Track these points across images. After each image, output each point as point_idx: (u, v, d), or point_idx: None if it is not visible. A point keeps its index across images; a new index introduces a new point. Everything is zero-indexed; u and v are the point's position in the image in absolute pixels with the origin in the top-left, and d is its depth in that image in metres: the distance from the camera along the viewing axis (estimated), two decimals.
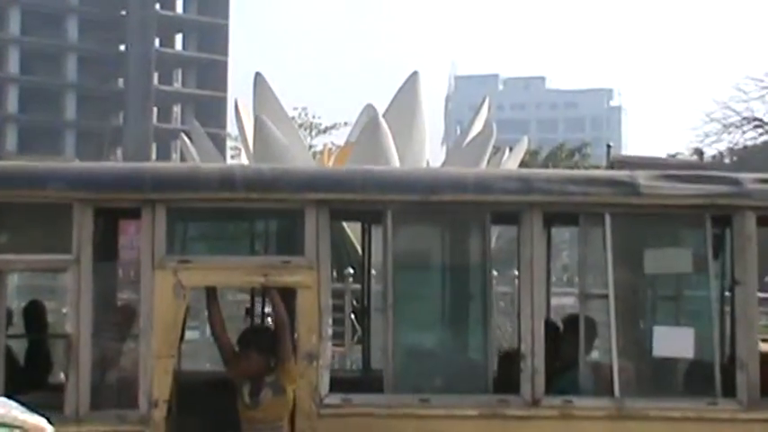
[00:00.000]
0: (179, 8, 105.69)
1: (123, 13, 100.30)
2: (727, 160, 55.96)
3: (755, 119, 54.71)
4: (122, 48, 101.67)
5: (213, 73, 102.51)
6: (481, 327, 8.50)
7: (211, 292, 8.50)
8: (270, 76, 41.20)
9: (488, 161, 39.33)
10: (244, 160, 44.25)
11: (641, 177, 8.56)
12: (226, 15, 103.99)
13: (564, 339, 8.91)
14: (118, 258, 10.06)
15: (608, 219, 8.43)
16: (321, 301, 8.26)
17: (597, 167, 62.02)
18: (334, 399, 8.23)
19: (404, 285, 8.48)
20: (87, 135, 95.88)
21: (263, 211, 8.63)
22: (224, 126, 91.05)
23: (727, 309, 8.95)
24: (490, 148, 39.31)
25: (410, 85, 40.37)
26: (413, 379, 8.42)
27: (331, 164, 39.49)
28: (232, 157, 73.04)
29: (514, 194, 8.45)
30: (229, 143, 78.01)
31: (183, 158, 56.08)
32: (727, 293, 8.93)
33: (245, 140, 42.00)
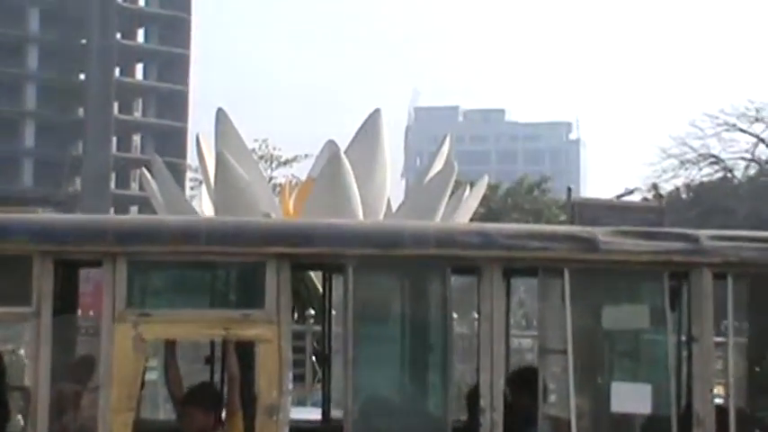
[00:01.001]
0: (140, 37, 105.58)
1: (83, 41, 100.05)
2: (684, 196, 56.50)
3: (711, 155, 55.30)
4: (82, 76, 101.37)
5: (173, 102, 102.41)
6: (441, 378, 8.54)
7: (170, 346, 8.50)
8: (229, 105, 41.13)
9: (449, 198, 39.44)
10: (204, 193, 44.17)
11: (600, 233, 8.65)
12: (187, 45, 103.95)
13: (522, 393, 8.94)
14: (78, 308, 10.03)
15: (567, 274, 8.50)
16: (282, 355, 8.26)
17: (557, 202, 62.42)
18: None
19: (364, 338, 8.50)
20: (46, 164, 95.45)
21: (225, 264, 8.62)
22: (184, 156, 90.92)
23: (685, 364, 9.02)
24: (451, 186, 39.40)
25: (372, 122, 40.35)
26: (373, 430, 8.45)
27: (293, 198, 39.49)
28: (191, 188, 72.94)
29: (475, 249, 8.51)
30: (189, 174, 77.91)
31: (142, 189, 56.01)
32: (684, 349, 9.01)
33: (206, 174, 41.90)
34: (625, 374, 9.01)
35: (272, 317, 8.27)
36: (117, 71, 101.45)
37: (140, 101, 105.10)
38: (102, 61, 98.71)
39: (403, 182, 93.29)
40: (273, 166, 70.98)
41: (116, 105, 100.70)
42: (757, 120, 54.74)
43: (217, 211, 36.33)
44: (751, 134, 55.26)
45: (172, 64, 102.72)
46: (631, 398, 8.51)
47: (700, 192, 55.41)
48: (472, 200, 40.38)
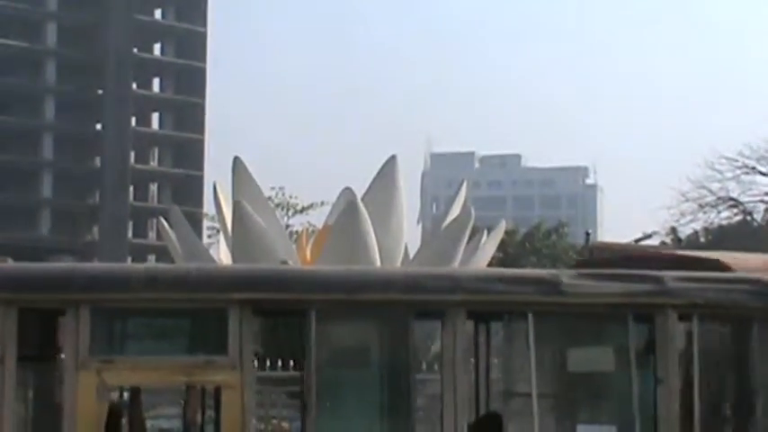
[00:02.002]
0: (155, 87, 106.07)
1: (100, 92, 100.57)
2: (702, 239, 56.31)
3: (730, 198, 55.11)
4: (99, 126, 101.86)
5: (190, 151, 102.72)
6: (405, 422, 8.56)
7: (134, 393, 8.49)
8: (246, 153, 41.32)
9: (467, 244, 39.44)
10: (221, 241, 44.33)
11: (564, 276, 8.69)
12: (203, 95, 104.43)
13: None
14: (58, 355, 9.92)
15: (531, 317, 8.52)
16: (244, 401, 8.28)
17: (574, 247, 62.34)
18: None
19: (327, 384, 8.55)
20: (63, 213, 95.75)
21: (188, 310, 8.65)
22: (200, 204, 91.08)
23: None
24: (468, 232, 39.42)
25: (388, 169, 40.53)
26: None
27: (309, 245, 39.59)
28: (209, 236, 73.02)
29: (440, 294, 8.53)
30: (206, 223, 78.01)
31: (160, 238, 56.02)
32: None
33: (223, 223, 42.14)
34: (590, 416, 9.06)
35: (236, 363, 8.30)
36: (133, 120, 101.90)
37: (156, 150, 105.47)
38: (118, 111, 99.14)
39: (419, 227, 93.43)
40: (290, 213, 71.00)
41: (132, 155, 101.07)
42: None
43: (234, 260, 36.45)
44: None
45: (187, 112, 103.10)
46: None
47: (718, 235, 55.14)
48: (489, 245, 40.38)
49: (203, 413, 10.19)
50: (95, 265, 10.46)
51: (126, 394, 9.46)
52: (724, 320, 9.33)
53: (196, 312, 8.67)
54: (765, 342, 8.85)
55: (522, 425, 8.65)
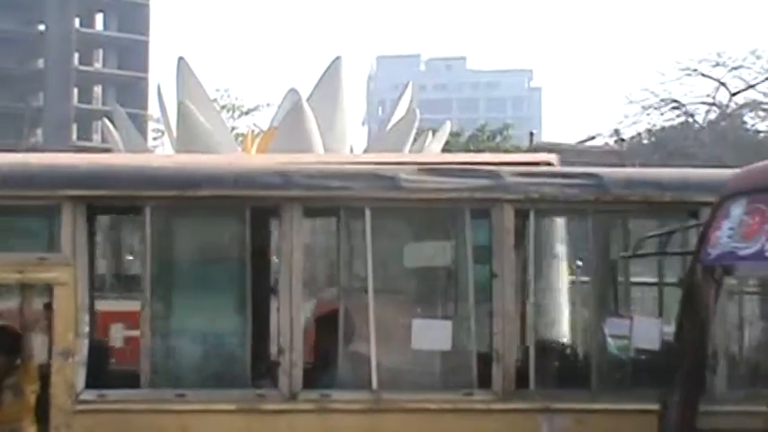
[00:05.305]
0: None
1: None
2: (645, 141, 56.79)
3: (673, 100, 55.56)
4: (41, 28, 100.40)
5: (135, 53, 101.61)
6: (240, 321, 8.49)
7: None
8: (191, 56, 41.22)
9: (412, 145, 39.63)
10: (167, 143, 44.19)
11: (402, 172, 8.61)
12: None
13: (325, 332, 8.95)
14: None
15: (368, 213, 8.46)
16: (78, 299, 8.27)
17: (518, 149, 62.65)
18: (90, 395, 8.23)
19: (162, 281, 8.51)
20: (6, 116, 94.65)
21: (20, 208, 8.53)
22: (145, 107, 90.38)
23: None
24: (413, 133, 39.62)
25: (333, 70, 40.58)
26: (171, 374, 8.42)
27: (255, 147, 39.60)
28: (154, 138, 72.66)
29: (274, 189, 8.45)
30: (151, 125, 77.56)
31: (104, 140, 55.69)
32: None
33: (168, 125, 41.98)
34: (427, 312, 8.99)
35: (69, 260, 8.25)
36: (77, 22, 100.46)
37: (101, 51, 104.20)
38: (61, 11, 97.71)
39: (365, 129, 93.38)
40: (236, 115, 70.65)
41: (76, 56, 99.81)
42: (718, 64, 55.02)
43: None
44: (712, 78, 55.57)
45: (132, 14, 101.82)
46: (432, 335, 8.50)
47: (661, 136, 55.60)
48: (434, 146, 40.58)
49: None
50: None
51: None
52: (560, 214, 9.42)
53: (28, 210, 8.55)
54: (598, 233, 8.88)
55: (359, 320, 8.59)
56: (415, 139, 40.29)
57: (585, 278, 9.10)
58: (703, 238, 6.75)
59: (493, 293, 8.53)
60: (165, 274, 8.63)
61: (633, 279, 10.00)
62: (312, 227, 9.43)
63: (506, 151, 69.46)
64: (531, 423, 8.36)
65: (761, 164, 6.89)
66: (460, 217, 8.57)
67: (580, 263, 9.56)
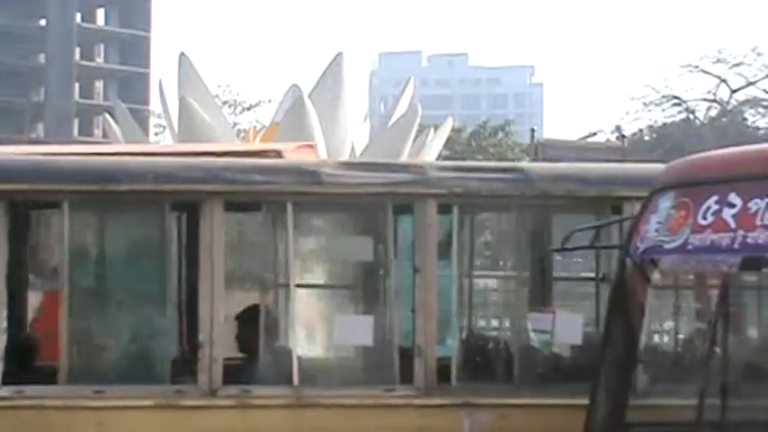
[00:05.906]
0: None
1: None
2: (646, 137, 56.91)
3: (674, 97, 55.75)
4: (43, 22, 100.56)
5: (136, 48, 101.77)
6: (161, 317, 8.47)
7: None
8: (193, 52, 41.44)
9: (413, 141, 39.80)
10: (168, 138, 44.37)
11: (325, 166, 8.61)
12: None
13: (246, 327, 8.95)
14: None
15: (290, 207, 8.40)
16: None
17: (520, 146, 62.61)
18: (6, 391, 8.16)
19: (80, 276, 8.46)
20: (7, 111, 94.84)
21: None
22: (147, 102, 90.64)
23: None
24: (415, 129, 39.82)
25: (335, 66, 40.87)
26: (90, 370, 8.37)
27: (257, 143, 39.78)
28: (156, 134, 72.82)
29: (195, 184, 8.39)
30: (153, 120, 77.69)
31: (106, 136, 55.98)
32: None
33: (169, 120, 42.22)
34: (349, 306, 9.14)
35: None
36: (78, 16, 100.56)
37: (102, 47, 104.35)
38: (62, 6, 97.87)
39: (367, 125, 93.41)
40: (237, 111, 70.84)
41: (78, 51, 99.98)
42: (719, 61, 55.18)
43: None
44: (713, 75, 55.71)
45: (134, 9, 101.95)
46: (353, 330, 8.52)
47: (662, 133, 55.78)
48: (436, 142, 40.84)
49: None
50: None
51: None
52: (485, 209, 9.44)
53: None
54: (523, 228, 8.83)
55: (282, 315, 8.67)
56: (416, 136, 40.49)
57: (510, 273, 9.08)
58: (632, 232, 6.77)
59: (415, 289, 8.50)
60: (84, 269, 8.60)
61: (558, 274, 10.02)
62: (234, 221, 9.43)
63: (508, 147, 69.79)
64: (452, 418, 8.32)
65: (689, 158, 6.93)
66: (383, 212, 8.52)
67: (504, 258, 9.54)
